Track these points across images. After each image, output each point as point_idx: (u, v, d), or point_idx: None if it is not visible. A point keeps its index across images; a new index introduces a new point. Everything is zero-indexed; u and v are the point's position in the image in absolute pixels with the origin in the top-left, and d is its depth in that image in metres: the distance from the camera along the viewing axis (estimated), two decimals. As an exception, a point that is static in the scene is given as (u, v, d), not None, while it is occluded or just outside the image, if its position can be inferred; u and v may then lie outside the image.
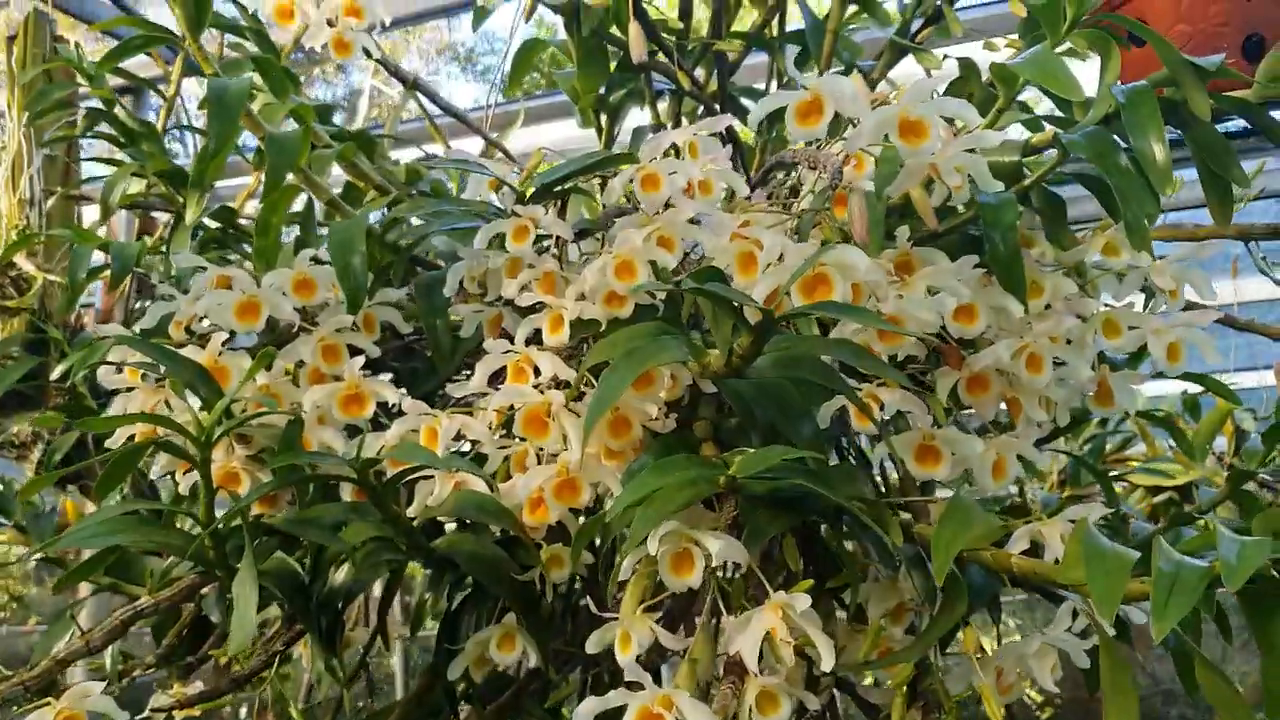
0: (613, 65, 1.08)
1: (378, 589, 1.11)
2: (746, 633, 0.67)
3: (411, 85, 1.31)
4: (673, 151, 0.88)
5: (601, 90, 1.09)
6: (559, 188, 0.87)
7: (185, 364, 0.81)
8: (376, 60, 1.24)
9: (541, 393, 0.79)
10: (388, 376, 0.89)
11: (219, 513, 0.79)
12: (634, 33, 0.97)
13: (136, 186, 1.27)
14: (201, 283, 0.91)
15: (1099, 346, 0.81)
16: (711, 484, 0.69)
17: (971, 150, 0.75)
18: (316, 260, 0.93)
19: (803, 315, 0.66)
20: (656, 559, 0.70)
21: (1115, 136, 0.76)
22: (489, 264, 0.88)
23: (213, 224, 1.24)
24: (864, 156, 0.77)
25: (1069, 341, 0.79)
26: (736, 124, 0.96)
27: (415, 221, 0.97)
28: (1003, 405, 0.82)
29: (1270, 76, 0.79)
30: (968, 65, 1.03)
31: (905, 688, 0.78)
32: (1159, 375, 1.08)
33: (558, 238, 0.86)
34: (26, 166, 1.59)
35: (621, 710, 0.62)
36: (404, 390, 0.86)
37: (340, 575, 0.88)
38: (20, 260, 1.49)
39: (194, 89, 1.89)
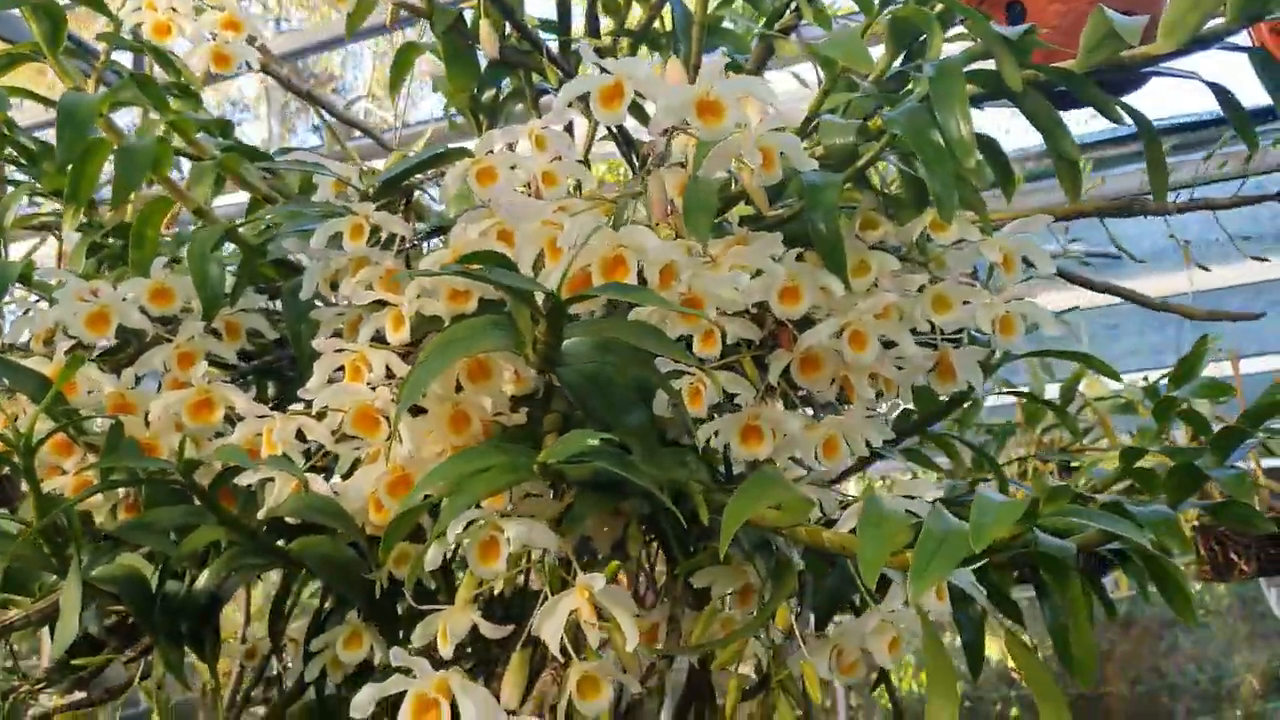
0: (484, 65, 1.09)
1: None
2: (552, 616, 0.67)
3: (306, 96, 1.31)
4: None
5: (474, 90, 1.10)
6: (403, 183, 0.88)
7: (27, 374, 0.81)
8: (266, 73, 1.25)
9: (373, 389, 0.79)
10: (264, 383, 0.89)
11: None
12: (484, 30, 0.98)
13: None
14: (66, 295, 0.91)
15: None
16: (521, 471, 0.70)
17: (786, 131, 0.76)
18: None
19: (589, 298, 0.66)
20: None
21: (933, 113, 0.76)
22: (338, 264, 0.89)
23: (116, 241, 1.25)
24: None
25: (902, 318, 0.80)
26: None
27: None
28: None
29: (1091, 45, 0.79)
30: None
31: (748, 670, 0.79)
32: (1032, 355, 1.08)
33: (398, 239, 0.86)
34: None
35: None
36: (259, 395, 0.87)
37: (201, 581, 0.89)
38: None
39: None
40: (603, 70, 0.71)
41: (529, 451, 0.71)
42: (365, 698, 0.60)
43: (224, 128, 1.23)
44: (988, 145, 0.91)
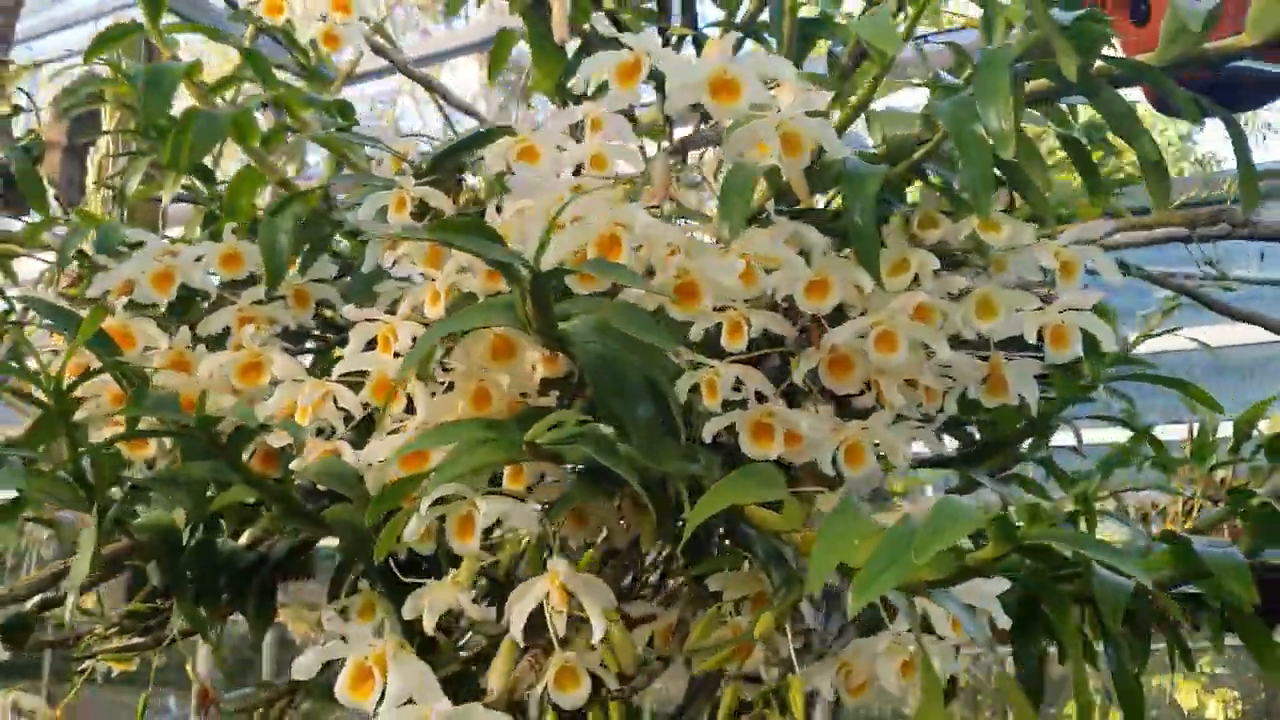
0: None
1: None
2: (521, 600, 0.65)
3: (424, 81, 1.34)
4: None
5: (561, 76, 1.09)
6: (452, 160, 0.88)
7: (66, 317, 0.85)
8: (381, 54, 1.28)
9: (396, 358, 0.79)
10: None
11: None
12: (557, 13, 0.97)
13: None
14: (144, 253, 0.95)
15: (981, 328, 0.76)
16: (513, 449, 0.68)
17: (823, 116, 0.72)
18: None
19: (569, 274, 0.64)
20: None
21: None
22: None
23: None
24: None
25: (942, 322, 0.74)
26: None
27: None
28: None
29: (1170, 37, 0.72)
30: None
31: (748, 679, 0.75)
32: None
33: (438, 214, 0.86)
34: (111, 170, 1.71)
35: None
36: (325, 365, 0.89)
37: (243, 539, 0.91)
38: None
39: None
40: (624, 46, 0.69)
41: (512, 428, 0.69)
42: (308, 660, 0.59)
43: (343, 109, 1.27)
44: (1075, 148, 0.85)
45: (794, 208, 0.78)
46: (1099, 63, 0.75)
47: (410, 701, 0.55)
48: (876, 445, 0.77)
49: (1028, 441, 1.02)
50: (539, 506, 0.72)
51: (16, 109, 2.05)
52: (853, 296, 0.75)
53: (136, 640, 1.01)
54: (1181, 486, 2.38)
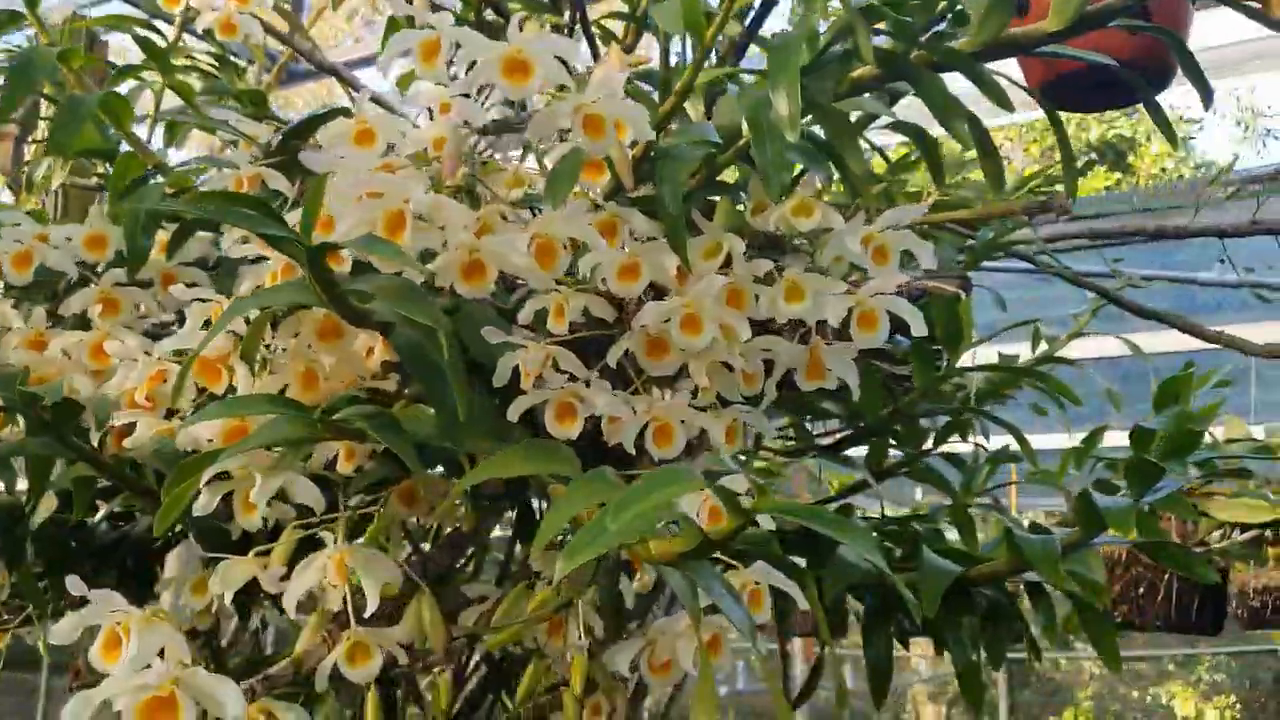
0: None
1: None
2: (302, 576, 0.66)
3: (330, 70, 1.35)
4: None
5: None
6: (293, 144, 0.89)
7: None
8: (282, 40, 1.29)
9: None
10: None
11: None
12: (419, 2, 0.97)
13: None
14: (8, 235, 0.96)
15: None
16: (304, 424, 0.69)
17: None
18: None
19: (335, 249, 0.64)
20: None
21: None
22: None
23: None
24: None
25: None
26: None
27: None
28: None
29: (979, 21, 0.72)
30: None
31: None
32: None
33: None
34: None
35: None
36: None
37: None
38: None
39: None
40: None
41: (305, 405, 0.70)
42: (67, 625, 0.60)
43: (256, 98, 1.28)
44: (918, 136, 0.85)
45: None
46: (917, 51, 0.75)
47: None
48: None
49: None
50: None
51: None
52: (668, 280, 0.75)
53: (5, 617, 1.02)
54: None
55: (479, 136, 0.76)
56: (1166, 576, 2.12)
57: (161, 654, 0.57)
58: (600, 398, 0.71)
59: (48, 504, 0.91)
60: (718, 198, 0.83)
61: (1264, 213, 1.99)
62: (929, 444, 1.14)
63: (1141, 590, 2.12)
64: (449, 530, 0.84)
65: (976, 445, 1.23)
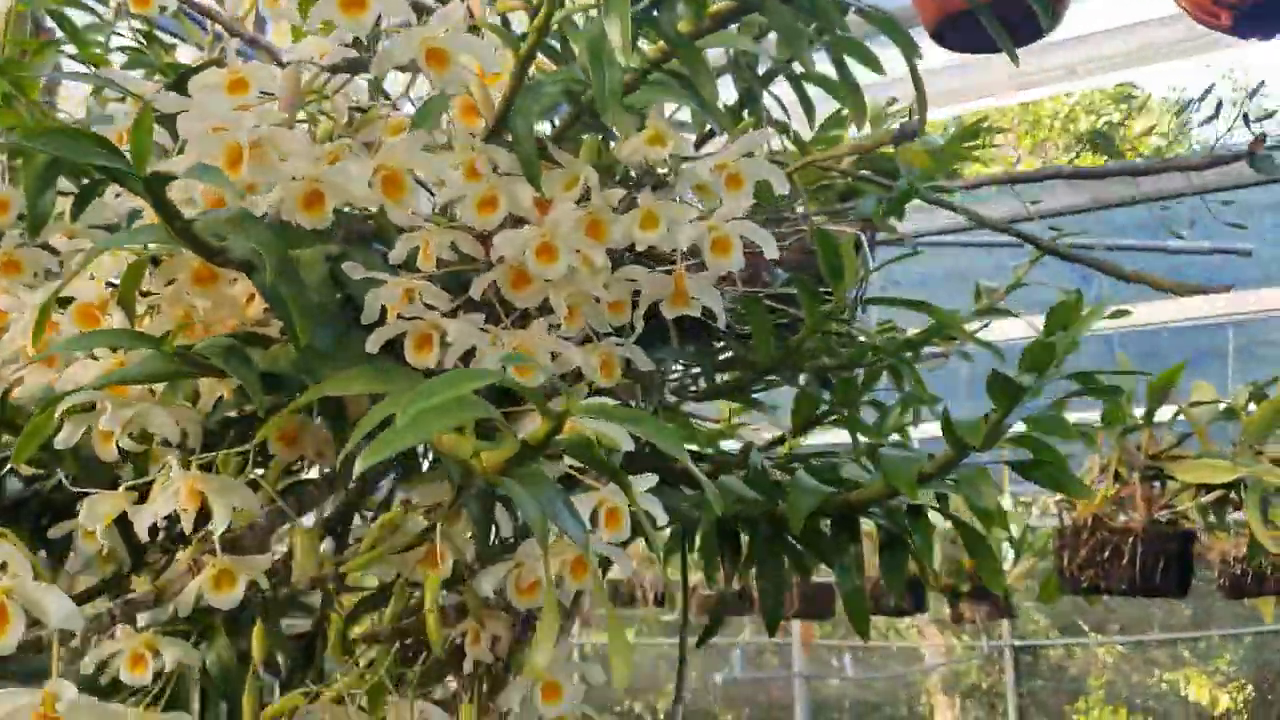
0: None
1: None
2: (154, 504, 0.67)
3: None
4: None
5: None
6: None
7: None
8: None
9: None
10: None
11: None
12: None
13: None
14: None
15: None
16: (162, 360, 0.71)
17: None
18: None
19: (168, 179, 0.66)
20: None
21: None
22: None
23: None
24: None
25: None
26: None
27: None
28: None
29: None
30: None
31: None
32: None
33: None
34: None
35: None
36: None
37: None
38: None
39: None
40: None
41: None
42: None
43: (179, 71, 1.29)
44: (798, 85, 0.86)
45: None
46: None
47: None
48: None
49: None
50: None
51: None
52: (528, 213, 0.76)
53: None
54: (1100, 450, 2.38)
55: (330, 75, 0.78)
56: (1131, 540, 2.12)
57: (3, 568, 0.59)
58: (454, 325, 0.72)
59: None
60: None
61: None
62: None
63: (1106, 554, 2.12)
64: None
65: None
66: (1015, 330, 1.66)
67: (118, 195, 0.97)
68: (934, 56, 1.07)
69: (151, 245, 0.84)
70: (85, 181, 1.05)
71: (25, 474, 1.00)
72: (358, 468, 0.52)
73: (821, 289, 0.96)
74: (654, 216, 0.76)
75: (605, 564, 0.81)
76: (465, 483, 0.75)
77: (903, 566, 0.94)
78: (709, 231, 0.76)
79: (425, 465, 0.89)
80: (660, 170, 0.82)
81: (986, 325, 1.29)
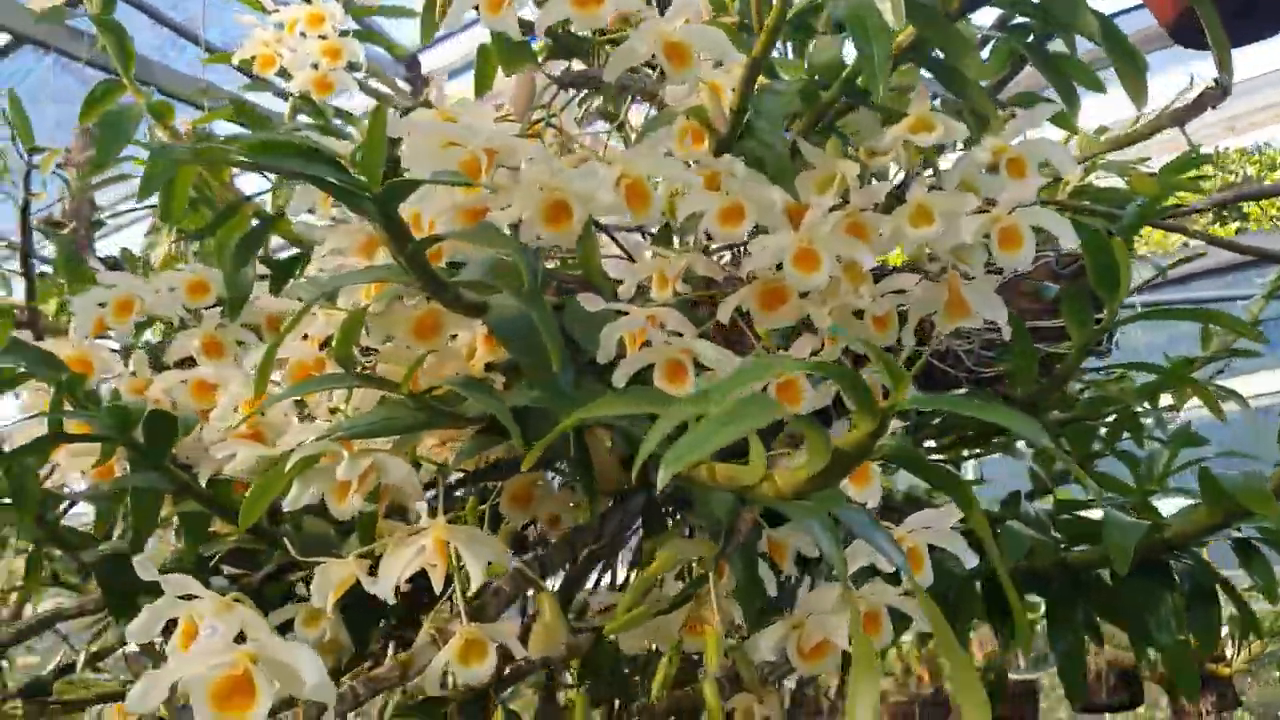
0: None
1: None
2: (397, 557, 0.60)
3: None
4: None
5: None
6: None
7: (39, 357, 0.84)
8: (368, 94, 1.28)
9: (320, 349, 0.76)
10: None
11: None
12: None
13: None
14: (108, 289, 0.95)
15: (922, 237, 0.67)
16: (400, 405, 0.64)
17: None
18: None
19: (406, 186, 0.59)
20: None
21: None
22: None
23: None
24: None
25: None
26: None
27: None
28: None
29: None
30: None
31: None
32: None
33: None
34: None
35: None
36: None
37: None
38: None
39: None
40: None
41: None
42: (143, 620, 0.55)
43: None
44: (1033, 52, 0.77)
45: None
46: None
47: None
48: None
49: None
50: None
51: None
52: (775, 221, 0.68)
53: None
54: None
55: (559, 89, 0.71)
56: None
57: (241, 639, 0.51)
58: (708, 348, 0.64)
59: (163, 549, 0.87)
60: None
61: None
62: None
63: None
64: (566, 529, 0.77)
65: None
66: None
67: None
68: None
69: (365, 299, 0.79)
70: (283, 258, 1.02)
71: (228, 572, 0.95)
72: (662, 478, 0.43)
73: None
74: (927, 210, 0.66)
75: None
76: (733, 527, 0.66)
77: (1216, 623, 0.81)
78: (994, 223, 0.66)
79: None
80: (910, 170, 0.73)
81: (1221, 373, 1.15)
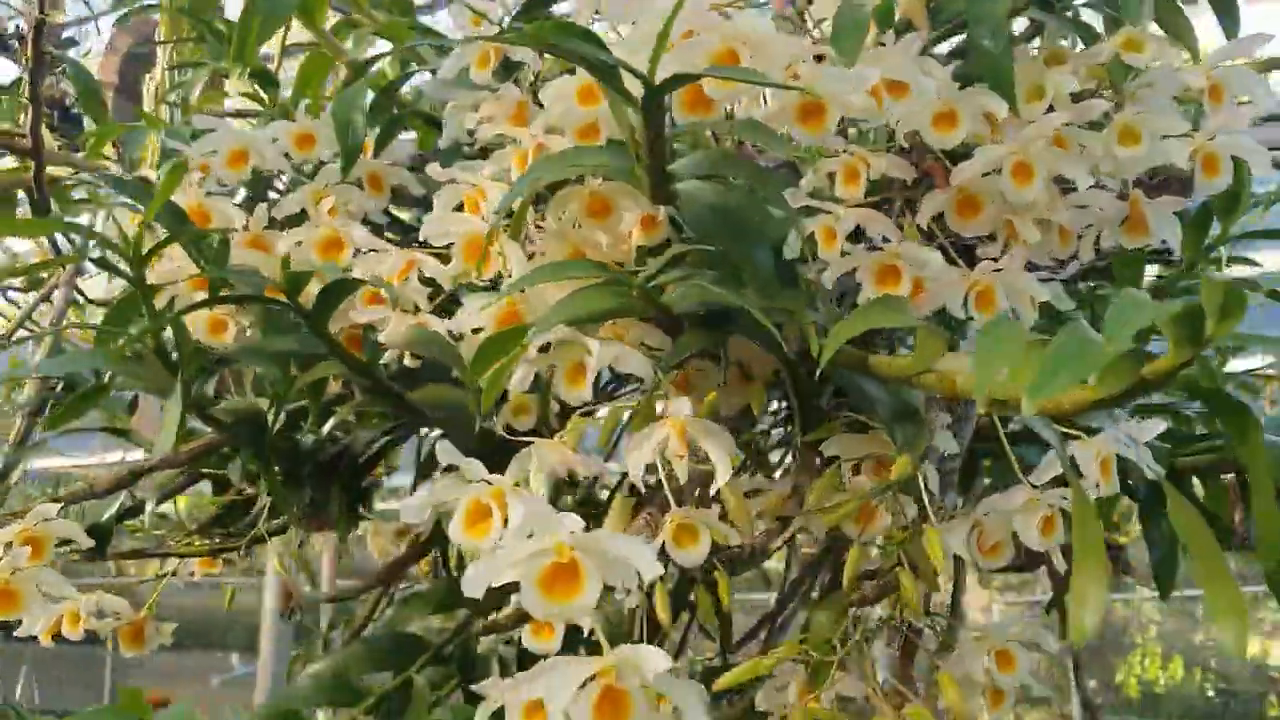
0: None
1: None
2: (641, 448, 0.61)
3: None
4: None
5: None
6: (538, 11, 0.83)
7: (134, 187, 0.80)
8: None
9: (483, 220, 0.74)
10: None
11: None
12: None
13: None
14: (217, 135, 0.91)
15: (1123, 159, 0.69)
16: (622, 295, 0.64)
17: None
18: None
19: (688, 80, 0.58)
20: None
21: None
22: (474, 101, 0.85)
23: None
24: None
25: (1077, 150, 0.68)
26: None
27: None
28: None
29: None
30: None
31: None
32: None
33: (524, 68, 0.81)
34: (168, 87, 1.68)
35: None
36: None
37: (326, 427, 0.87)
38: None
39: None
40: None
41: (630, 277, 0.65)
42: (417, 502, 0.55)
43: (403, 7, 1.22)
44: None
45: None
46: None
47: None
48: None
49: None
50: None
51: (71, 41, 2.02)
52: (980, 129, 0.69)
53: (219, 542, 0.98)
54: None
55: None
56: None
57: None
58: (934, 260, 0.65)
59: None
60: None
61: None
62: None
63: None
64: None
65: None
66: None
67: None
68: None
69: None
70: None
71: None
72: (1026, 407, 0.45)
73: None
74: (1134, 130, 0.68)
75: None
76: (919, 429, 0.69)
77: None
78: (1198, 148, 0.68)
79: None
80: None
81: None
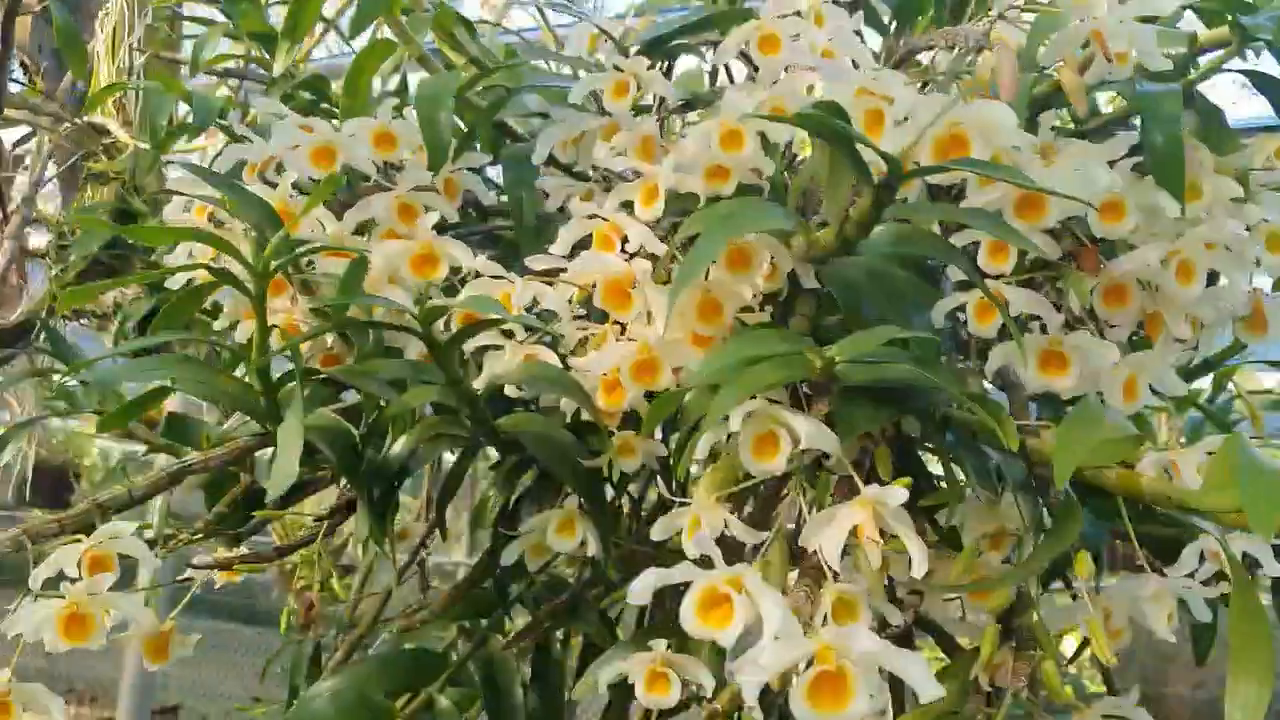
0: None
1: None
2: (830, 528, 0.59)
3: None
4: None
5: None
6: (669, 44, 0.80)
7: (253, 201, 0.75)
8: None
9: (628, 261, 0.72)
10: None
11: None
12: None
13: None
14: (284, 127, 0.85)
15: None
16: (806, 366, 0.62)
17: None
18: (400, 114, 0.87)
19: (936, 171, 0.57)
20: (738, 445, 0.63)
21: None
22: (584, 127, 0.81)
23: (305, 95, 1.19)
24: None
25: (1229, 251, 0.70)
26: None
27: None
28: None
29: None
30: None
31: (998, 621, 0.71)
32: None
33: (661, 103, 0.79)
34: (127, 35, 1.56)
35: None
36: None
37: (397, 446, 0.83)
38: (113, 127, 1.46)
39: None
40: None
41: (806, 345, 0.63)
42: (645, 584, 0.53)
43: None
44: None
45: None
46: None
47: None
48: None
49: None
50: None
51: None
52: (1140, 221, 0.70)
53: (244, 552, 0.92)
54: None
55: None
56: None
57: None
58: (1100, 352, 0.66)
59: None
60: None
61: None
62: None
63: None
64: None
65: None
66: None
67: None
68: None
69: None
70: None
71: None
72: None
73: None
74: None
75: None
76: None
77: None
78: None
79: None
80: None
81: None
